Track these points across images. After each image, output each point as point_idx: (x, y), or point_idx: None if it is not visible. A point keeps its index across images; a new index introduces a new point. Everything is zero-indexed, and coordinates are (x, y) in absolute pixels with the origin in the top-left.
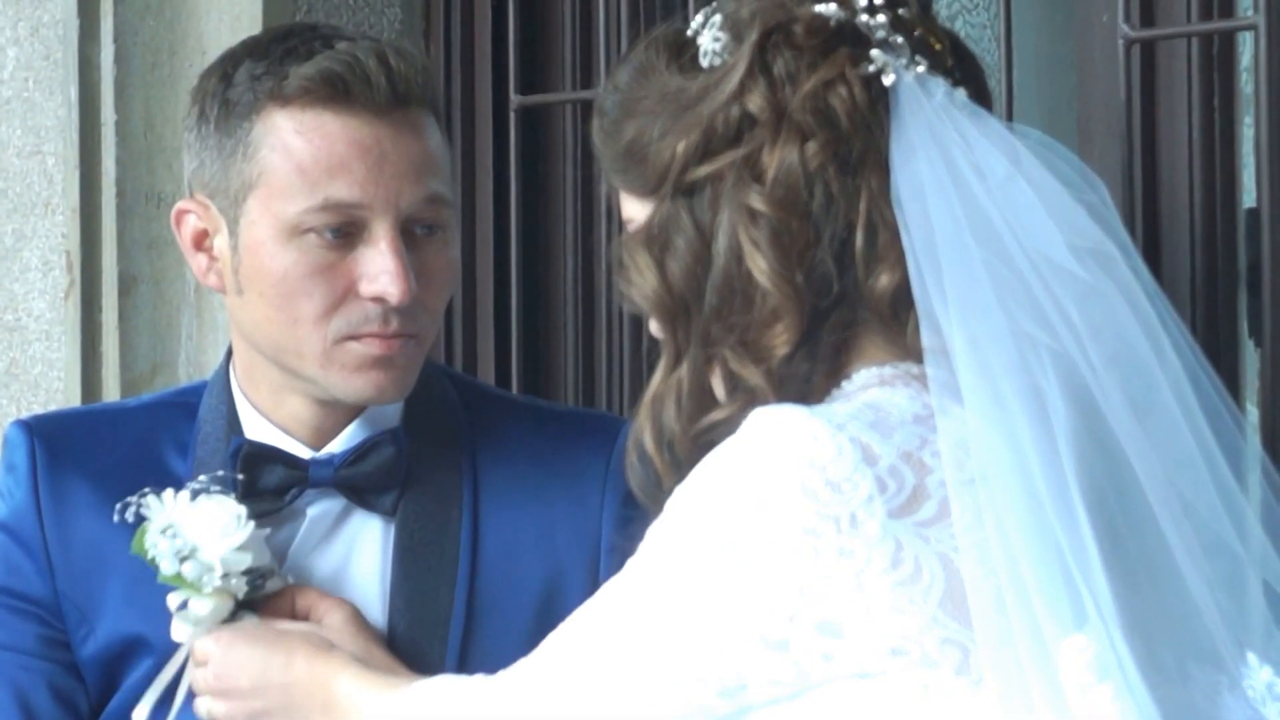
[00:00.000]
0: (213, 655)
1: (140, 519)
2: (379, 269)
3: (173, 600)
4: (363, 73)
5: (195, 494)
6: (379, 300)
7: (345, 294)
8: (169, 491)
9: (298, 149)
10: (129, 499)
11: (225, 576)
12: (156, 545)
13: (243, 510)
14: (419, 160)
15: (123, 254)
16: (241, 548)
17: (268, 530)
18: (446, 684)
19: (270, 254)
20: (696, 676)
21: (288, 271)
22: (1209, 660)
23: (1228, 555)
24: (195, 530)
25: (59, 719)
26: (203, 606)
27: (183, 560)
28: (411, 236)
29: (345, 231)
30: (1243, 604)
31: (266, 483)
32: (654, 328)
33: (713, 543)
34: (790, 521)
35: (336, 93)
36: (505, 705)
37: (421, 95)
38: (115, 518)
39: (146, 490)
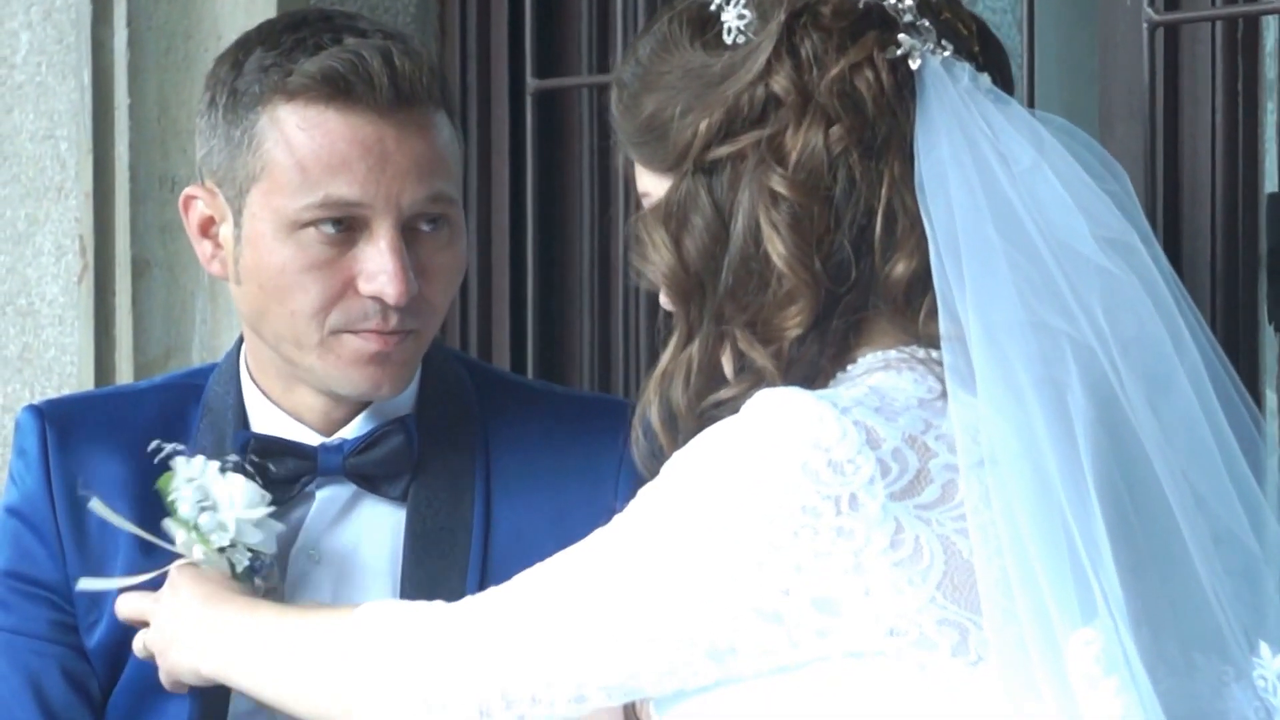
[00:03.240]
0: (166, 593)
1: (165, 466)
2: (378, 268)
3: (171, 526)
4: (365, 72)
5: (224, 468)
6: (377, 299)
7: (344, 289)
8: (199, 457)
9: (300, 145)
10: (161, 443)
11: (234, 544)
12: (180, 490)
13: (268, 495)
14: (424, 159)
15: (136, 238)
16: (258, 524)
17: (282, 527)
18: (398, 608)
19: (269, 248)
20: (686, 637)
21: (285, 266)
22: (1215, 651)
23: (1239, 547)
24: (219, 492)
25: (71, 703)
26: (197, 555)
27: (202, 510)
28: (415, 232)
29: (346, 226)
30: (1254, 594)
31: (276, 474)
32: (665, 301)
33: (709, 510)
34: (789, 499)
35: (338, 91)
36: (464, 639)
37: (427, 94)
38: (154, 456)
39: (181, 448)
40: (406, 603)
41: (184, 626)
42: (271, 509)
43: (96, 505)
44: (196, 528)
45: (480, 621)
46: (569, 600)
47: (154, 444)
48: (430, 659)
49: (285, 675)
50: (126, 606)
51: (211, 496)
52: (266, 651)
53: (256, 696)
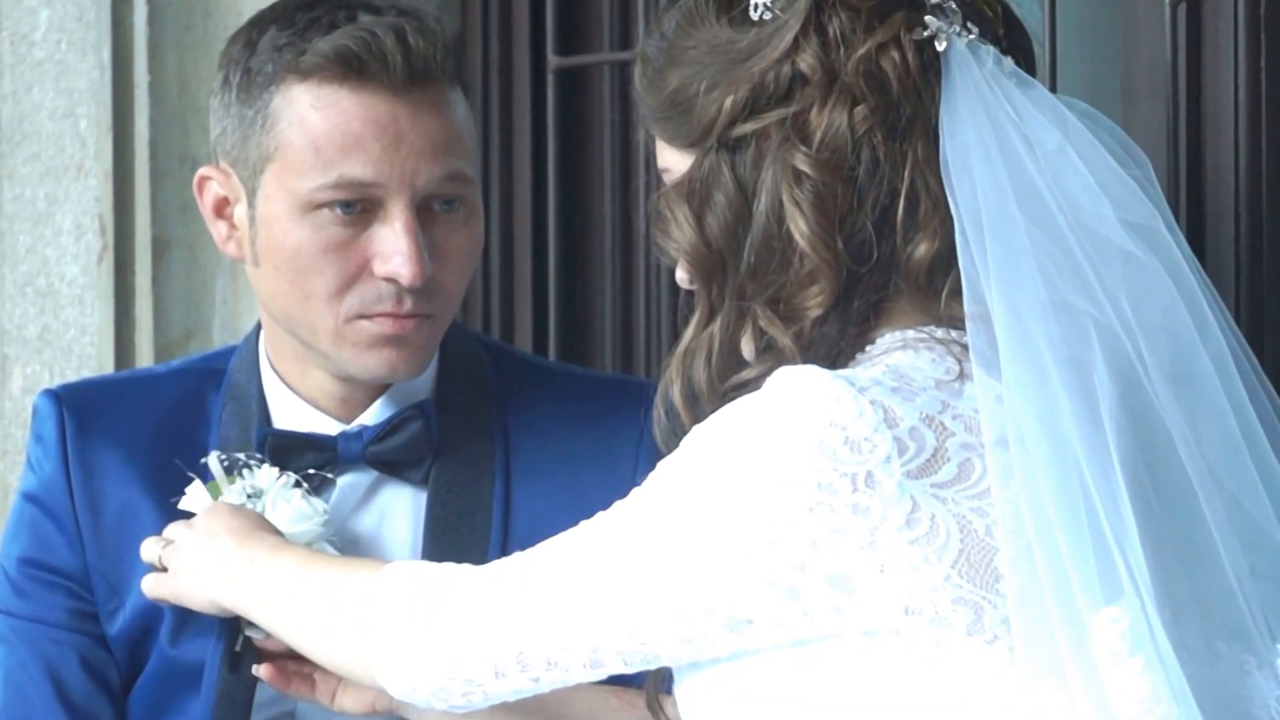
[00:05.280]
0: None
1: (182, 451)
2: (392, 249)
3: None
4: (379, 51)
5: (297, 484)
6: (392, 280)
7: (359, 272)
8: (274, 470)
9: (314, 124)
10: (236, 455)
11: None
12: (228, 495)
13: (325, 517)
14: (439, 138)
15: (156, 217)
16: (297, 538)
17: (336, 554)
18: (424, 569)
19: (285, 229)
20: (704, 607)
21: (301, 247)
22: (1237, 639)
23: (1261, 533)
24: (272, 506)
25: (90, 691)
26: None
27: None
28: (430, 213)
29: (360, 208)
30: (1276, 581)
31: (297, 466)
32: (681, 278)
33: (726, 484)
34: (805, 476)
35: (351, 70)
36: (483, 600)
37: (441, 71)
38: (176, 442)
39: (259, 457)
40: (432, 564)
41: (211, 557)
42: (319, 529)
43: (213, 461)
44: None
45: (500, 584)
46: (587, 566)
47: (222, 457)
48: (450, 619)
49: (310, 624)
50: (168, 530)
51: (260, 504)
52: (291, 597)
53: (278, 637)
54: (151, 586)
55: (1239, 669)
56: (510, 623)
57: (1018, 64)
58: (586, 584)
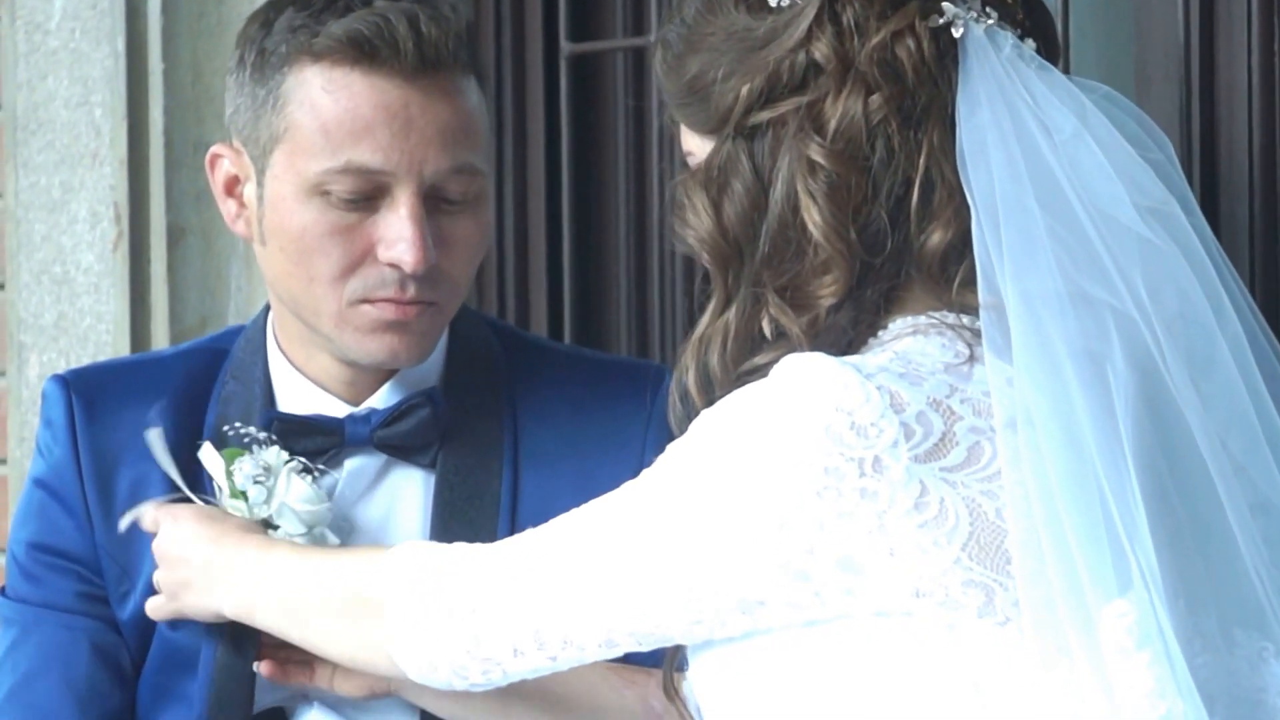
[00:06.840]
0: (163, 523)
1: (194, 436)
2: (397, 235)
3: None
4: (391, 36)
5: (303, 470)
6: (395, 266)
7: (364, 256)
8: (282, 453)
9: (324, 107)
10: (240, 427)
11: (272, 520)
12: (241, 467)
13: (328, 505)
14: (449, 126)
15: (171, 205)
16: (304, 518)
17: (338, 541)
18: (434, 550)
19: (291, 210)
20: (715, 589)
21: (306, 229)
22: (1255, 626)
23: (1278, 517)
24: (281, 481)
25: (100, 675)
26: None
27: (255, 482)
28: (437, 200)
29: (366, 195)
30: None
31: (303, 449)
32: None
33: (735, 469)
34: (812, 460)
35: (363, 55)
36: (500, 580)
37: (454, 59)
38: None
39: (267, 435)
40: (442, 545)
41: (195, 570)
42: (324, 512)
43: (153, 437)
44: (243, 494)
45: (516, 562)
46: (597, 548)
47: (236, 426)
48: (467, 598)
49: (316, 617)
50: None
51: (271, 481)
52: (293, 593)
53: (283, 636)
54: (154, 609)
55: (1256, 656)
56: (527, 601)
57: (1040, 47)
58: (597, 566)
